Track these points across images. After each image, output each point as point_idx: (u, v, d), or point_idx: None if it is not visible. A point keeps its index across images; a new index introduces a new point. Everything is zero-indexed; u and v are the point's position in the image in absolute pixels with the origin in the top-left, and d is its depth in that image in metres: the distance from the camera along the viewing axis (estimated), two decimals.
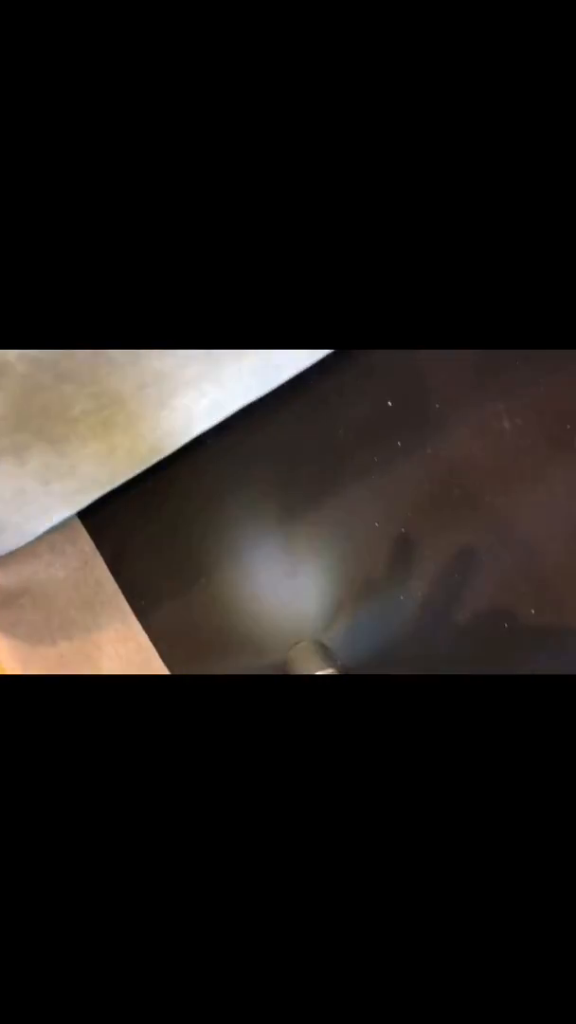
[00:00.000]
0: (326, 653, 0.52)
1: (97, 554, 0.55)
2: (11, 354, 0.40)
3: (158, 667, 0.52)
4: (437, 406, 0.61)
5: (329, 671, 0.50)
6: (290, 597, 0.56)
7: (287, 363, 0.53)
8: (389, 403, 0.61)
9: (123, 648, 0.52)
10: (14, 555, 0.53)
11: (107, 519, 0.56)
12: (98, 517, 0.56)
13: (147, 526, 0.56)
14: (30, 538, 0.53)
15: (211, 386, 0.53)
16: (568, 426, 0.59)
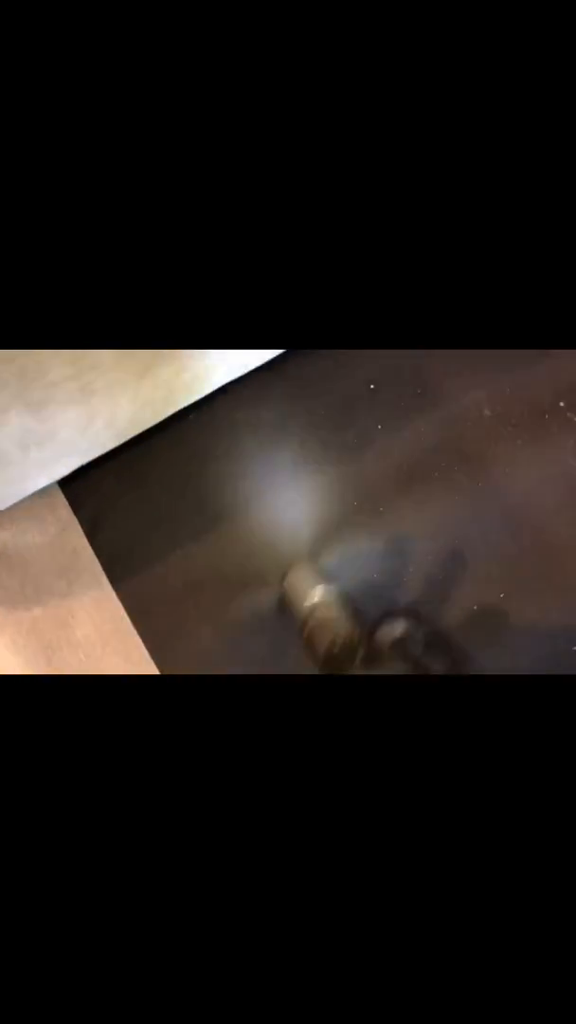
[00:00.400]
0: (320, 571, 0.53)
1: (75, 522, 0.55)
2: None
3: (131, 635, 0.53)
4: (419, 391, 0.61)
5: (326, 587, 0.51)
6: (263, 574, 0.56)
7: None
8: (371, 386, 0.61)
9: (97, 615, 0.53)
10: None
11: (86, 488, 0.56)
12: (77, 486, 0.56)
13: (126, 497, 0.57)
14: (8, 503, 0.53)
15: (193, 361, 0.53)
16: (546, 416, 0.59)
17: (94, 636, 0.53)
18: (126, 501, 0.57)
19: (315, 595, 0.51)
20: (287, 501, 0.58)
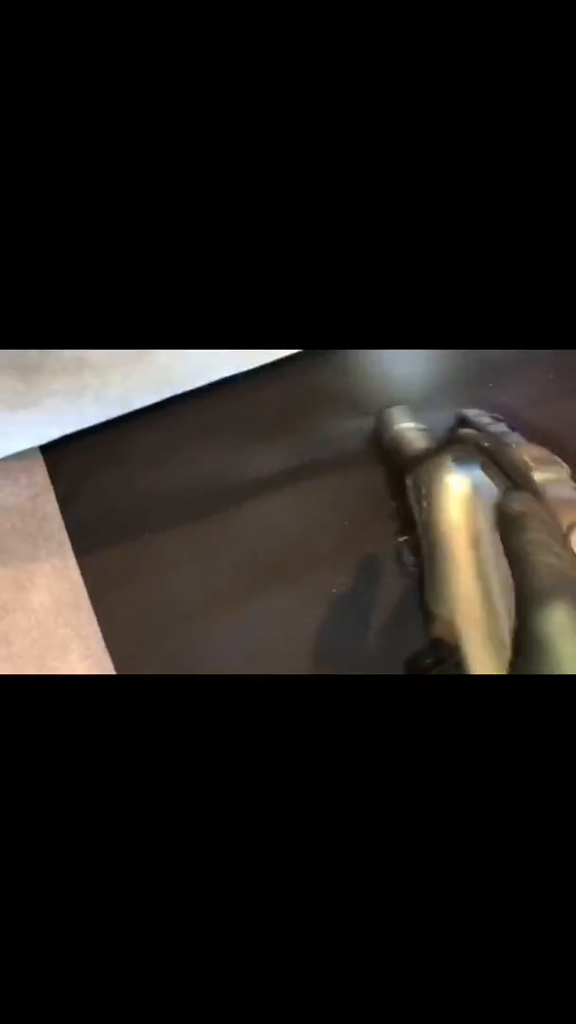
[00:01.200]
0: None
1: (51, 489, 0.56)
2: None
3: (86, 610, 0.53)
4: None
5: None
6: (230, 572, 0.56)
7: None
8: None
9: (56, 586, 0.53)
10: None
11: (67, 458, 0.56)
12: (58, 453, 0.56)
13: (106, 473, 0.57)
14: None
15: (193, 353, 0.54)
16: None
17: (49, 604, 0.53)
18: (105, 478, 0.57)
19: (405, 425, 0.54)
20: (268, 504, 0.58)
